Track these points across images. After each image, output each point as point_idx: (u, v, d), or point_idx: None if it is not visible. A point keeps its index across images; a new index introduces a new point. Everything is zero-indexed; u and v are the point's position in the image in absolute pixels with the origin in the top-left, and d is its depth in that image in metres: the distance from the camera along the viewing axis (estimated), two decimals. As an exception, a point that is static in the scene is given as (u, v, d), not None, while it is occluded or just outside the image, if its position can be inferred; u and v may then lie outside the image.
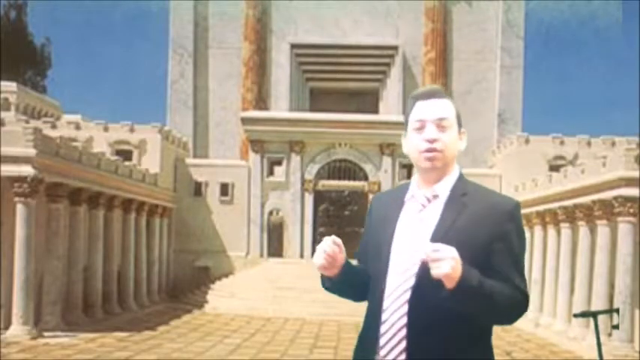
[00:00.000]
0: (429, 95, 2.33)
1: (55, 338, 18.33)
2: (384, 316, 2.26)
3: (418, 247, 2.19)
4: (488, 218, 2.24)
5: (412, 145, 2.33)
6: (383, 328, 2.26)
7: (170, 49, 36.58)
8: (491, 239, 2.23)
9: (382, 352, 2.25)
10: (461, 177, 2.34)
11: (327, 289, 2.40)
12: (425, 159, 2.27)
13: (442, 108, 2.29)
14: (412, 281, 2.23)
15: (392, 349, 2.24)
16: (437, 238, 2.18)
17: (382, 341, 2.25)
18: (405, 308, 2.23)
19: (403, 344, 2.23)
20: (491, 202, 2.28)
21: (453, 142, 2.29)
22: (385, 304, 2.26)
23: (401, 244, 2.28)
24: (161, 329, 21.11)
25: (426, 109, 2.30)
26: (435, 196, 2.30)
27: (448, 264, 2.03)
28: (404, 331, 2.22)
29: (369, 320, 2.34)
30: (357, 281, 2.39)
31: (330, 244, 2.25)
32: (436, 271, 2.05)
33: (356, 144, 30.94)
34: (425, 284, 2.17)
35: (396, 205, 2.36)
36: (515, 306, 2.23)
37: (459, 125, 2.34)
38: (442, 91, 2.37)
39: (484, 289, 2.11)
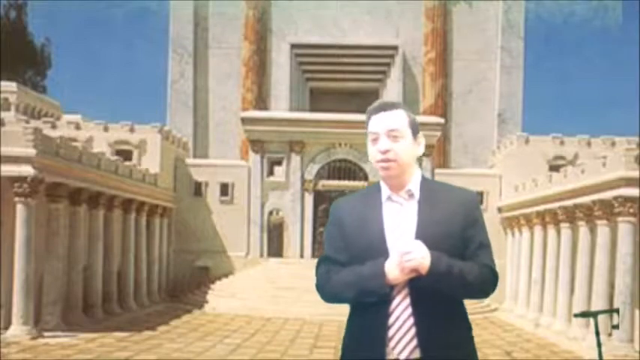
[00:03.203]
0: (379, 109, 2.55)
1: (55, 338, 18.34)
2: (392, 318, 2.45)
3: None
4: (459, 209, 2.51)
5: (370, 155, 2.55)
6: (393, 329, 2.44)
7: (170, 49, 36.59)
8: (465, 227, 2.50)
9: (396, 351, 2.44)
10: (424, 177, 2.59)
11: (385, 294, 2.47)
12: (381, 168, 2.50)
13: (392, 120, 2.51)
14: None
15: (400, 340, 2.44)
16: (421, 233, 2.45)
17: (394, 341, 2.45)
18: (408, 300, 2.45)
19: (413, 332, 2.44)
20: (457, 195, 2.56)
21: (407, 150, 2.50)
22: (392, 306, 2.45)
23: (393, 242, 2.47)
24: (161, 329, 21.11)
25: (377, 122, 2.52)
26: (411, 195, 2.53)
27: (416, 260, 2.36)
28: (411, 320, 2.44)
29: (370, 322, 2.47)
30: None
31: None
32: (406, 264, 2.38)
33: (356, 144, 30.91)
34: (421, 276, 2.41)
35: (372, 207, 2.54)
36: (485, 282, 2.49)
37: (415, 132, 2.54)
38: (394, 103, 2.58)
39: (453, 271, 2.40)
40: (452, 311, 2.51)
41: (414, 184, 2.53)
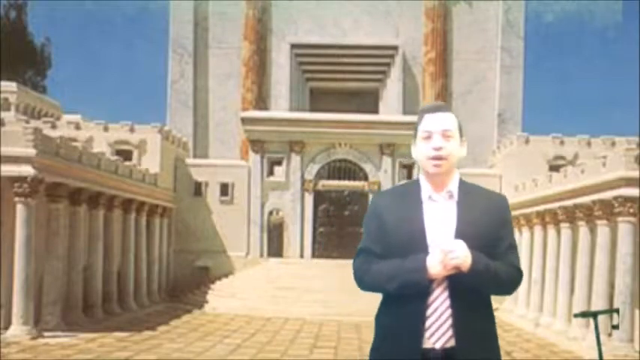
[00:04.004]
0: (435, 109, 2.75)
1: (55, 338, 18.34)
2: (430, 309, 2.65)
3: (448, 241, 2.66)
4: (493, 211, 2.73)
5: (421, 152, 2.73)
6: (431, 320, 2.65)
7: (170, 49, 36.59)
8: (498, 228, 2.73)
9: (432, 340, 2.65)
10: (461, 178, 2.79)
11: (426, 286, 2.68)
12: (432, 165, 2.69)
13: (446, 121, 2.72)
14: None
15: (442, 335, 2.65)
16: (460, 232, 2.65)
17: (430, 331, 2.65)
18: (447, 294, 2.65)
19: (449, 323, 2.65)
20: (491, 198, 2.79)
21: (456, 150, 2.72)
22: (431, 298, 2.66)
23: (434, 239, 2.66)
24: (161, 329, 21.11)
25: (432, 122, 2.71)
26: (451, 196, 2.74)
27: (460, 259, 2.56)
28: (448, 312, 2.65)
29: (408, 312, 2.66)
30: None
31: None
32: (451, 262, 2.58)
33: (356, 144, 30.93)
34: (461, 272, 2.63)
35: (413, 204, 2.74)
36: (513, 280, 2.73)
37: (460, 135, 2.76)
38: (446, 106, 2.81)
39: (490, 269, 2.62)
40: (484, 305, 2.74)
41: (453, 185, 2.75)
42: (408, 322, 2.66)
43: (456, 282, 2.63)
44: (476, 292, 2.67)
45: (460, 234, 2.64)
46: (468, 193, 2.74)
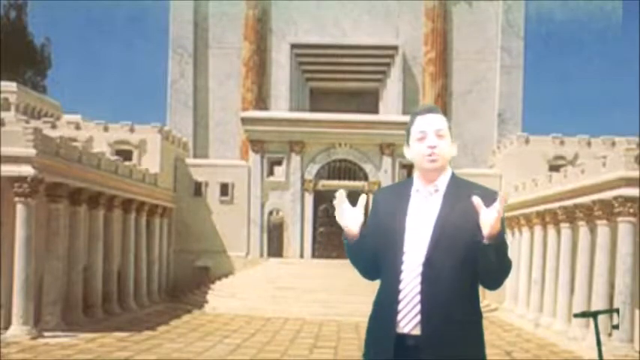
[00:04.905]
0: (426, 111, 2.88)
1: (55, 338, 18.34)
2: (401, 295, 2.70)
3: (426, 233, 2.74)
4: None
5: (416, 152, 2.84)
6: (401, 305, 2.70)
7: (170, 49, 36.58)
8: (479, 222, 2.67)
9: (401, 325, 2.70)
10: (453, 175, 2.87)
11: (349, 248, 2.87)
12: (428, 161, 2.80)
13: (439, 121, 2.84)
14: (423, 259, 2.71)
15: (409, 321, 2.69)
16: (439, 223, 2.73)
17: (400, 316, 2.70)
18: (418, 280, 2.69)
19: (417, 310, 2.68)
20: (479, 193, 2.74)
21: (448, 148, 2.84)
22: (402, 285, 2.71)
23: (413, 230, 2.76)
24: (161, 329, 21.11)
25: (425, 122, 2.84)
26: (437, 190, 2.82)
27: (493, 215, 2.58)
28: (417, 298, 2.68)
29: (386, 298, 2.75)
30: (366, 253, 2.86)
31: (359, 207, 2.84)
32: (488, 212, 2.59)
33: (356, 144, 30.93)
34: (434, 258, 2.68)
35: (403, 198, 2.86)
36: (507, 270, 2.73)
37: (451, 135, 2.88)
38: (437, 107, 2.94)
39: (504, 246, 2.65)
40: (463, 296, 2.71)
41: (441, 181, 2.83)
42: (386, 305, 2.75)
43: (434, 264, 2.67)
44: (453, 277, 2.67)
45: (440, 223, 2.72)
46: (456, 187, 2.81)
